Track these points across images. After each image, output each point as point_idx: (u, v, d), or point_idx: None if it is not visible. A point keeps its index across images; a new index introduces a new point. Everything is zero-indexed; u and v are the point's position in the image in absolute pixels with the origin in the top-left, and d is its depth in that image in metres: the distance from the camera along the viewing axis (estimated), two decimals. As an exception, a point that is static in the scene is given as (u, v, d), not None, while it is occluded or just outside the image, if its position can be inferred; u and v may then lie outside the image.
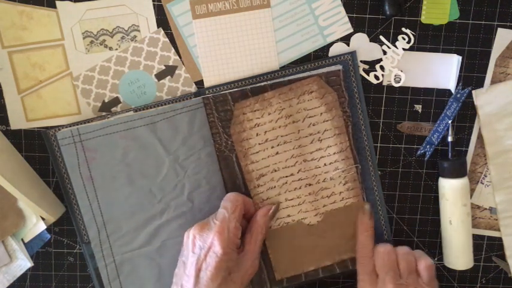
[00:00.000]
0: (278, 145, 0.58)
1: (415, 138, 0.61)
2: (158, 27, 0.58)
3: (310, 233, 0.59)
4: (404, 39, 0.59)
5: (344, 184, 0.59)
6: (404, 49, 0.59)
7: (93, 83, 0.59)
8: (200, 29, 0.58)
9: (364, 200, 0.59)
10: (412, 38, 0.59)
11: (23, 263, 0.58)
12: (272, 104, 0.57)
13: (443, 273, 0.63)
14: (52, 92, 0.59)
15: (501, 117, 0.59)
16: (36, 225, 0.57)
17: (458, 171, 0.58)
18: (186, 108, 0.57)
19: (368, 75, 0.59)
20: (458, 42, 0.59)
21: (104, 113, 0.59)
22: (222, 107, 0.57)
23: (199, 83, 0.59)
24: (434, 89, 0.60)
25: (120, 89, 0.59)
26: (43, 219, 0.57)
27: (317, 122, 0.58)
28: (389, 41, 0.59)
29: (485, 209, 0.62)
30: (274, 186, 0.58)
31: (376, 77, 0.59)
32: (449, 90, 0.60)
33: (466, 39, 0.59)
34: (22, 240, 0.58)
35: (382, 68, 0.59)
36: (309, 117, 0.57)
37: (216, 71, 0.59)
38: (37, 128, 0.59)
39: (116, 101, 0.59)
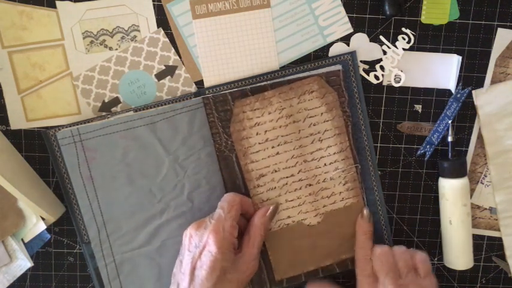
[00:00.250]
0: (278, 145, 0.58)
1: (415, 138, 0.61)
2: (158, 27, 0.58)
3: (310, 234, 0.59)
4: (404, 39, 0.59)
5: (344, 184, 0.59)
6: (404, 49, 0.59)
7: (93, 83, 0.59)
8: (200, 29, 0.58)
9: (364, 200, 0.59)
10: (412, 38, 0.59)
11: (23, 263, 0.58)
12: (272, 103, 0.57)
13: (443, 273, 0.63)
14: (52, 92, 0.59)
15: (501, 117, 0.59)
16: (36, 225, 0.57)
17: (458, 171, 0.58)
18: (186, 108, 0.57)
19: (368, 75, 0.59)
20: (458, 42, 0.59)
21: (104, 113, 0.59)
22: (222, 107, 0.57)
23: (199, 83, 0.59)
24: (434, 89, 0.60)
25: (120, 89, 0.59)
26: (43, 219, 0.57)
27: (317, 122, 0.57)
28: (389, 41, 0.59)
29: (485, 209, 0.62)
30: (275, 187, 0.58)
31: (376, 77, 0.59)
32: (449, 90, 0.60)
33: (466, 39, 0.59)
34: (22, 240, 0.58)
35: (382, 68, 0.59)
36: (310, 117, 0.57)
37: (216, 71, 0.59)
38: (37, 128, 0.59)
39: (116, 101, 0.59)
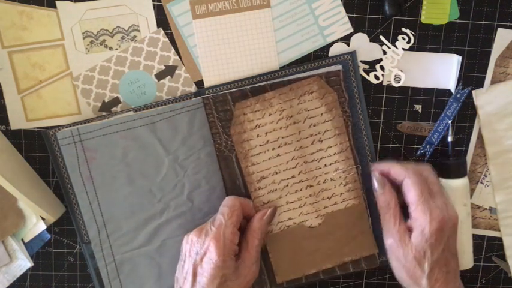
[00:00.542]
0: (279, 147, 0.58)
1: (415, 138, 0.61)
2: (158, 27, 0.58)
3: (311, 236, 0.59)
4: (404, 39, 0.59)
5: (345, 185, 0.58)
6: (404, 49, 0.59)
7: (93, 83, 0.59)
8: (200, 29, 0.58)
9: (365, 200, 0.59)
10: (412, 38, 0.59)
11: (23, 263, 0.58)
12: (273, 104, 0.57)
13: (443, 273, 0.63)
14: (52, 92, 0.59)
15: (501, 117, 0.59)
16: (36, 225, 0.57)
17: (458, 171, 0.58)
18: (186, 108, 0.57)
19: (368, 75, 0.59)
20: (458, 42, 0.59)
21: (104, 113, 0.59)
22: (222, 107, 0.57)
23: (199, 83, 0.59)
24: (434, 89, 0.60)
25: (120, 89, 0.59)
26: (43, 219, 0.57)
27: (317, 122, 0.57)
28: (389, 41, 0.59)
29: (485, 209, 0.62)
30: (276, 189, 0.58)
31: (376, 77, 0.59)
32: (449, 90, 0.60)
33: (466, 39, 0.59)
34: (22, 240, 0.58)
35: (382, 68, 0.59)
36: (310, 117, 0.57)
37: (216, 71, 0.59)
38: (37, 128, 0.59)
39: (116, 101, 0.59)
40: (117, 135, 0.57)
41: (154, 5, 0.58)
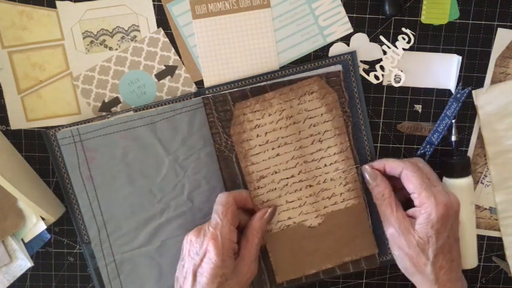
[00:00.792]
0: (279, 146, 0.58)
1: (415, 138, 0.61)
2: (158, 27, 0.58)
3: (311, 236, 0.59)
4: (404, 39, 0.59)
5: (345, 185, 0.58)
6: (404, 49, 0.59)
7: (93, 83, 0.59)
8: (200, 29, 0.58)
9: (365, 200, 0.59)
10: (412, 38, 0.59)
11: (23, 263, 0.58)
12: (273, 104, 0.57)
13: (443, 273, 0.63)
14: (52, 92, 0.59)
15: (501, 117, 0.59)
16: (36, 225, 0.57)
17: (463, 171, 0.58)
18: (186, 108, 0.57)
19: (368, 75, 0.59)
20: (458, 42, 0.59)
21: (104, 113, 0.59)
22: (222, 107, 0.57)
23: (199, 83, 0.59)
24: (434, 89, 0.60)
25: (120, 89, 0.59)
26: (43, 219, 0.57)
27: (318, 122, 0.57)
28: (389, 41, 0.59)
29: (485, 209, 0.62)
30: (275, 188, 0.58)
31: (376, 77, 0.59)
32: (449, 90, 0.60)
33: (466, 39, 0.59)
34: (22, 240, 0.58)
35: (382, 68, 0.59)
36: (310, 118, 0.57)
37: (216, 71, 0.59)
38: (37, 128, 0.59)
39: (116, 101, 0.59)
40: (117, 135, 0.57)
41: (154, 5, 0.58)
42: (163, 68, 0.59)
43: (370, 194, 0.58)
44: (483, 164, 0.61)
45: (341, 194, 0.59)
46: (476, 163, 0.61)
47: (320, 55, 0.59)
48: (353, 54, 0.58)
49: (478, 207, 0.62)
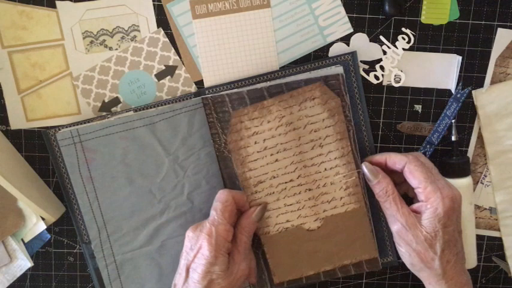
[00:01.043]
0: (278, 152, 0.57)
1: (415, 138, 0.61)
2: (158, 27, 0.58)
3: (310, 238, 0.58)
4: (404, 39, 0.59)
5: (345, 189, 0.58)
6: (404, 49, 0.59)
7: (93, 83, 0.59)
8: (200, 29, 0.58)
9: (367, 205, 0.58)
10: (412, 38, 0.59)
11: (23, 263, 0.58)
12: (272, 111, 0.56)
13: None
14: (52, 92, 0.59)
15: (501, 117, 0.59)
16: (36, 225, 0.57)
17: (463, 171, 0.58)
18: (186, 108, 0.57)
19: (368, 75, 0.59)
20: (458, 42, 0.59)
21: (104, 113, 0.59)
22: (220, 108, 0.57)
23: (199, 83, 0.59)
24: (434, 89, 0.60)
25: (120, 89, 0.59)
26: (43, 219, 0.57)
27: (319, 128, 0.57)
28: (389, 41, 0.59)
29: (485, 209, 0.62)
30: (273, 192, 0.58)
31: (376, 77, 0.59)
32: (449, 90, 0.60)
33: (466, 39, 0.59)
34: (22, 240, 0.58)
35: (382, 68, 0.59)
36: (311, 123, 0.57)
37: (216, 71, 0.59)
38: (37, 128, 0.59)
39: (116, 101, 0.59)
40: (116, 135, 0.57)
41: (154, 5, 0.58)
42: (163, 68, 0.59)
43: (372, 197, 0.57)
44: (483, 164, 0.61)
45: (341, 198, 0.58)
46: (476, 163, 0.61)
47: (320, 55, 0.59)
48: (354, 54, 0.58)
49: (478, 207, 0.62)
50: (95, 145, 0.57)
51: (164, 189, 0.58)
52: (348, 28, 0.59)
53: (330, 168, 0.57)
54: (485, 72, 0.59)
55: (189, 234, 0.53)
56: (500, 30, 0.59)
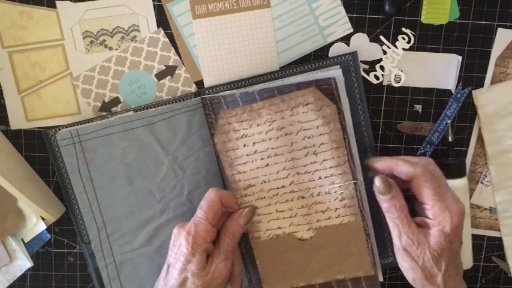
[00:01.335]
0: (268, 157, 0.56)
1: (415, 138, 0.61)
2: (158, 27, 0.58)
3: (302, 248, 0.57)
4: (404, 39, 0.59)
5: (341, 200, 0.56)
6: (404, 49, 0.59)
7: (93, 83, 0.59)
8: (200, 29, 0.58)
9: (364, 218, 0.56)
10: (412, 38, 0.59)
11: (23, 263, 0.58)
12: (262, 115, 0.55)
13: (443, 273, 0.63)
14: (52, 92, 0.59)
15: (501, 117, 0.59)
16: (36, 225, 0.57)
17: (457, 172, 0.58)
18: (185, 108, 0.57)
19: (368, 75, 0.59)
20: (458, 42, 0.59)
21: (104, 113, 0.59)
22: (217, 109, 0.56)
23: (199, 83, 0.59)
24: (434, 89, 0.60)
25: (120, 89, 0.59)
26: (43, 219, 0.57)
27: (312, 135, 0.55)
28: (389, 41, 0.59)
29: (485, 209, 0.62)
30: (264, 197, 0.56)
31: (376, 77, 0.59)
32: (449, 90, 0.60)
33: (466, 39, 0.59)
34: (22, 240, 0.58)
35: (382, 68, 0.59)
36: (304, 130, 0.55)
37: (216, 71, 0.59)
38: (37, 128, 0.59)
39: (116, 101, 0.59)
40: (116, 136, 0.57)
41: (154, 5, 0.58)
42: (163, 68, 0.59)
43: (367, 211, 0.56)
44: (483, 164, 0.61)
45: (336, 209, 0.56)
46: (476, 163, 0.61)
47: (320, 55, 0.59)
48: (354, 54, 0.58)
49: (478, 207, 0.62)
50: (94, 145, 0.57)
51: (164, 189, 0.58)
52: (348, 28, 0.59)
53: (325, 177, 0.56)
54: (485, 72, 0.59)
55: (174, 231, 0.53)
56: (500, 30, 0.59)
